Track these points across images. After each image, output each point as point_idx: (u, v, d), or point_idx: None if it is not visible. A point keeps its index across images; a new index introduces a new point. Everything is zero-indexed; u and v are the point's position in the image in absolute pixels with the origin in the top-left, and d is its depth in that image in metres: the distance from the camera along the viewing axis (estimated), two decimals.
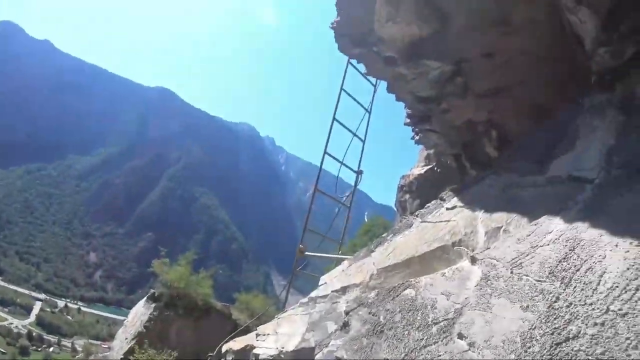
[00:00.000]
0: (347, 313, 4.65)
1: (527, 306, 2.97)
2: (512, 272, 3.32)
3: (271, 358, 5.12)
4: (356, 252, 6.65)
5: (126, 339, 16.03)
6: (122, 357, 14.84)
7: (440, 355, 3.34)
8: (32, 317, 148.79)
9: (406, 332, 3.80)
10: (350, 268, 5.87)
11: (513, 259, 3.41)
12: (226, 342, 8.31)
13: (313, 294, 5.92)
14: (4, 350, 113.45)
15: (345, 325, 4.52)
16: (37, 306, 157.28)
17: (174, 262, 17.32)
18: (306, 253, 10.62)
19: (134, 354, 13.99)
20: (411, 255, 4.68)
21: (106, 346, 19.90)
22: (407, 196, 14.32)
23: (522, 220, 3.81)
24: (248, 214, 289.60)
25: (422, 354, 3.51)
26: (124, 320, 18.12)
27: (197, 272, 17.40)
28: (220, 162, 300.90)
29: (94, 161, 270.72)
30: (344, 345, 4.28)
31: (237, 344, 6.68)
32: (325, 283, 6.00)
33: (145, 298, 17.12)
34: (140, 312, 16.69)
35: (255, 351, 5.53)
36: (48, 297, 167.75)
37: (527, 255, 3.33)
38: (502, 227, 3.95)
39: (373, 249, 5.80)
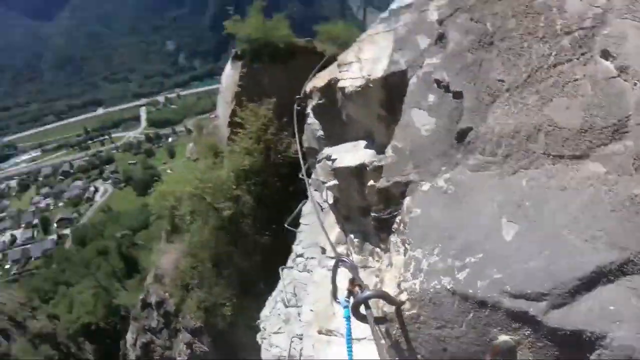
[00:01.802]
0: (441, 22, 3.74)
1: None
2: None
3: (359, 88, 4.55)
4: None
5: (226, 103, 16.81)
6: (229, 120, 15.67)
7: (576, 79, 2.63)
8: (143, 123, 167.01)
9: (526, 45, 2.94)
10: None
11: None
12: (309, 80, 7.87)
13: (394, 5, 5.08)
14: (133, 161, 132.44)
15: (440, 38, 3.67)
16: (143, 112, 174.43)
17: (245, 16, 16.97)
18: None
19: (237, 115, 14.64)
20: None
21: (213, 115, 21.26)
22: None
23: None
24: None
25: (551, 75, 2.75)
26: (220, 87, 18.65)
27: (271, 17, 16.97)
28: None
29: None
30: (442, 63, 3.53)
31: (319, 80, 6.26)
32: None
33: (230, 60, 17.30)
34: (230, 75, 17.22)
35: (340, 84, 4.94)
36: (148, 100, 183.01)
37: None
38: None
39: None
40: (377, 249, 5.60)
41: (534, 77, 2.80)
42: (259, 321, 9.88)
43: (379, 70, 4.32)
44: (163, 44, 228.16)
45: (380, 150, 4.74)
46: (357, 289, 2.54)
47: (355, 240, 6.08)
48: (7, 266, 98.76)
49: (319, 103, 6.27)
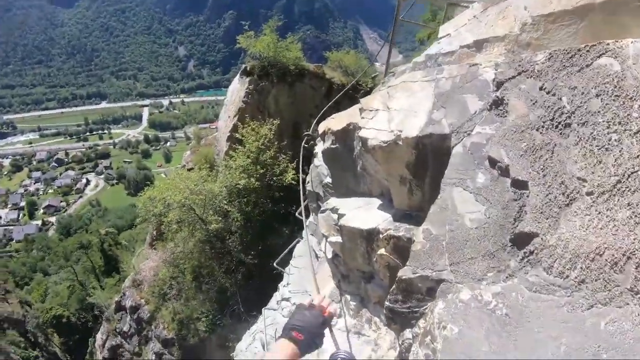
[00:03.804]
0: (499, 85, 3.17)
1: None
2: None
3: (384, 144, 3.93)
4: None
5: (229, 117, 16.70)
6: (229, 134, 15.63)
7: None
8: (144, 123, 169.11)
9: (614, 137, 2.32)
10: (488, 13, 4.20)
11: None
12: (321, 115, 7.65)
13: (432, 50, 4.50)
14: (129, 159, 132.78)
15: (497, 104, 3.09)
16: (145, 112, 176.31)
17: (259, 33, 16.98)
18: None
19: (238, 130, 14.61)
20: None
21: (214, 127, 21.29)
22: None
23: None
24: None
25: None
26: (225, 99, 18.70)
27: (284, 38, 17.00)
28: None
29: None
30: (499, 138, 2.91)
31: (336, 122, 5.60)
32: (449, 35, 4.50)
33: (238, 74, 17.37)
34: (236, 89, 17.06)
35: (361, 134, 4.30)
36: (152, 101, 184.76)
37: None
38: None
39: None
40: (377, 319, 5.14)
41: (625, 183, 2.19)
42: (233, 354, 9.51)
43: (412, 128, 3.69)
44: (175, 48, 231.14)
45: (398, 217, 4.23)
46: None
47: (352, 303, 5.62)
48: None
49: (331, 148, 5.67)
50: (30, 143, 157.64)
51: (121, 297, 22.69)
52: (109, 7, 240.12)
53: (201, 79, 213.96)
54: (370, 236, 4.48)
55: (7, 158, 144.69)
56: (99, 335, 26.37)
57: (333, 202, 5.60)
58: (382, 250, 4.28)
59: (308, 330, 2.06)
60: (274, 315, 8.32)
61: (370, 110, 4.39)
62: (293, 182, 14.20)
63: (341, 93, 11.82)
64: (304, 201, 6.37)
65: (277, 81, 16.31)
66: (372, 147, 4.07)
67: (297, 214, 8.62)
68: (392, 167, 4.09)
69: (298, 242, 9.27)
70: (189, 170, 17.98)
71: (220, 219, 14.65)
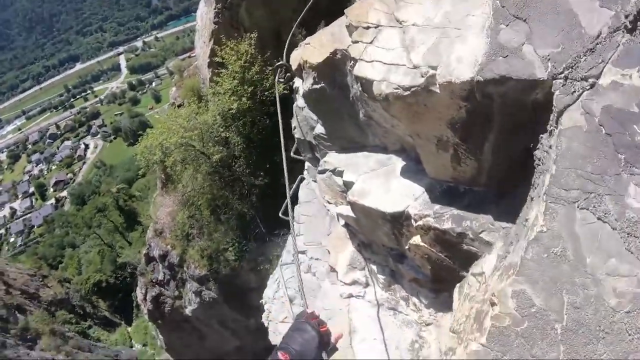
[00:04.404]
0: None
1: None
2: None
3: (405, 92, 2.44)
4: None
5: (204, 42, 15.87)
6: (209, 60, 14.83)
7: None
8: (124, 71, 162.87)
9: None
10: None
11: None
12: (296, 27, 6.30)
13: None
14: (119, 112, 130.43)
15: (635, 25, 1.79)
16: (122, 60, 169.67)
17: None
18: None
19: (217, 54, 13.81)
20: None
21: (194, 55, 20.31)
22: None
23: None
24: None
25: None
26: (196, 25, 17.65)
27: None
28: None
29: None
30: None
31: (315, 51, 3.95)
32: None
33: None
34: (205, 12, 16.17)
35: (359, 71, 2.85)
36: (126, 47, 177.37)
37: None
38: None
39: None
40: (415, 300, 4.13)
41: None
42: (262, 301, 9.24)
43: (459, 62, 2.18)
44: None
45: (438, 194, 2.94)
46: None
47: (381, 276, 4.55)
48: (11, 239, 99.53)
49: (315, 89, 4.11)
50: (20, 129, 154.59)
51: (148, 248, 23.13)
52: None
53: (169, 9, 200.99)
54: (396, 220, 3.31)
55: (2, 152, 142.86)
56: (138, 290, 27.31)
57: (333, 159, 4.34)
58: (417, 239, 3.19)
59: (299, 354, 1.91)
60: (292, 268, 7.55)
61: (366, 28, 2.81)
62: (286, 91, 13.57)
63: None
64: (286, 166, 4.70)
65: None
66: (382, 96, 2.60)
67: (280, 213, 7.87)
68: (423, 126, 2.64)
69: (301, 181, 7.82)
70: (178, 106, 17.41)
71: (221, 148, 14.32)
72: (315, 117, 4.68)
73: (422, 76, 2.28)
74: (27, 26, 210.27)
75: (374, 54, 2.65)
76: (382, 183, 3.40)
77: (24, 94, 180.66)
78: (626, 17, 1.73)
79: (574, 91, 1.79)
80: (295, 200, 7.37)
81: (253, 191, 15.13)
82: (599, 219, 1.60)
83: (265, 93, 13.80)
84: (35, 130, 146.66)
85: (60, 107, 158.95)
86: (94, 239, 64.57)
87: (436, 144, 2.64)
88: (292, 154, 7.11)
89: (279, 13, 15.48)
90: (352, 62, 2.98)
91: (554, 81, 1.86)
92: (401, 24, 2.54)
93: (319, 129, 4.65)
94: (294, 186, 7.84)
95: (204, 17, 15.98)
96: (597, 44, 1.77)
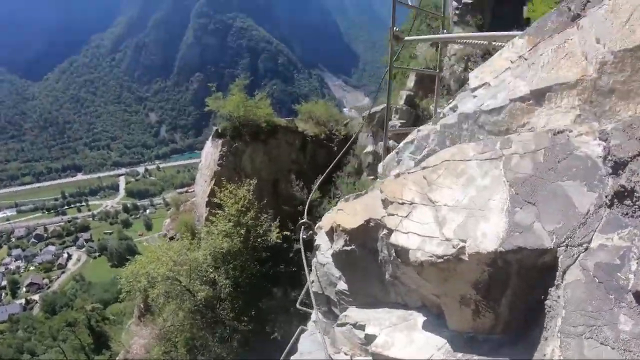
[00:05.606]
0: (618, 165, 2.38)
1: None
2: None
3: (439, 260, 2.85)
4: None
5: (205, 181, 16.57)
6: (207, 199, 15.46)
7: None
8: (122, 193, 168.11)
9: None
10: (540, 51, 3.20)
11: None
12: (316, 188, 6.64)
13: (466, 106, 3.56)
14: (109, 230, 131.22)
15: (621, 196, 2.34)
16: (121, 182, 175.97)
17: (227, 93, 17.07)
18: (406, 38, 8.71)
19: (216, 195, 14.46)
20: None
21: (191, 190, 21.06)
22: None
23: None
24: (287, 24, 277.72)
25: None
26: (199, 163, 18.62)
27: (253, 96, 17.07)
28: None
29: (117, 31, 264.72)
30: None
31: (348, 217, 4.37)
32: (486, 84, 3.56)
33: (210, 137, 17.34)
34: (210, 153, 16.97)
35: (395, 240, 3.17)
36: (128, 170, 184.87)
37: None
38: None
39: (579, 11, 3.09)
40: None
41: None
42: None
43: (485, 237, 2.70)
44: (146, 115, 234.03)
45: (460, 344, 3.18)
46: None
47: None
48: None
49: (345, 250, 4.48)
50: (8, 220, 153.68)
51: None
52: (78, 78, 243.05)
53: (174, 143, 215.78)
54: None
55: None
56: None
57: (354, 314, 4.47)
58: None
59: None
60: None
61: (401, 204, 3.22)
62: (278, 240, 14.08)
63: (335, 160, 11.76)
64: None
65: (250, 140, 16.33)
66: (417, 263, 3.00)
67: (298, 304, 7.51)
68: (450, 287, 3.06)
69: (301, 332, 7.35)
70: (170, 239, 17.63)
71: (207, 287, 14.26)
72: (337, 275, 5.04)
73: (454, 247, 2.75)
74: (40, 124, 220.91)
75: (409, 226, 3.10)
76: (405, 336, 3.66)
77: (22, 187, 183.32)
78: (606, 197, 2.41)
79: (573, 254, 2.41)
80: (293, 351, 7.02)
81: (235, 336, 14.64)
82: (601, 343, 2.13)
83: (258, 239, 14.14)
84: (23, 226, 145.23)
85: (52, 211, 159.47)
86: (57, 353, 60.17)
87: (459, 301, 3.05)
88: (297, 305, 7.24)
89: (279, 163, 16.64)
90: (386, 230, 3.38)
91: (558, 248, 2.47)
92: (434, 204, 3.06)
93: (342, 285, 4.98)
94: (294, 337, 7.25)
95: (209, 157, 16.86)
96: (587, 218, 2.45)
